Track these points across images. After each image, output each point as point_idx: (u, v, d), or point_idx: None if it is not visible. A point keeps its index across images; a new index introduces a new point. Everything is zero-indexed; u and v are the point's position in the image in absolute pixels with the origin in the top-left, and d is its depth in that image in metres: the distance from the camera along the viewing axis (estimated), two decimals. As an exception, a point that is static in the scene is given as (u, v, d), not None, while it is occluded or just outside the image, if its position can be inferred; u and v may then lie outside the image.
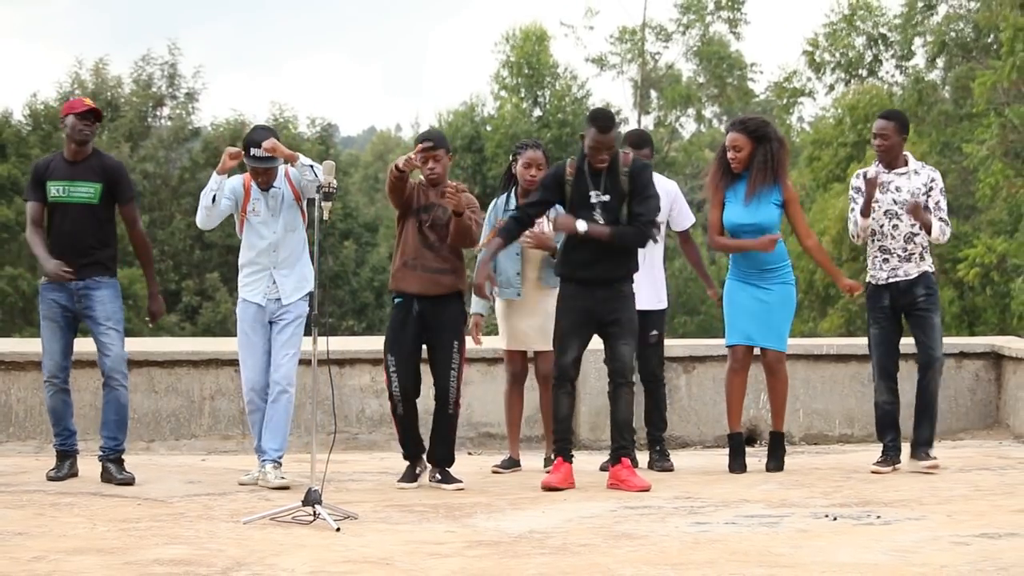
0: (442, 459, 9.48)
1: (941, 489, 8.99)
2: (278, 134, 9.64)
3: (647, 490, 8.99)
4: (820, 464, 10.43)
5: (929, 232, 9.89)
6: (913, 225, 9.90)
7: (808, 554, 6.78)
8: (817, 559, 6.65)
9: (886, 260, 9.96)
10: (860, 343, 13.08)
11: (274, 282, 9.46)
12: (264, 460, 9.30)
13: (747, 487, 9.15)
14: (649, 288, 10.08)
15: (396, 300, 9.50)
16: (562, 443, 9.31)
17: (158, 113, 50.50)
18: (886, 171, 10.01)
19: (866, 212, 9.92)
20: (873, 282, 10.00)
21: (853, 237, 10.17)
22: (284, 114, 50.44)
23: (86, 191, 9.32)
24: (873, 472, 9.87)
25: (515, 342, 10.09)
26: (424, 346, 9.49)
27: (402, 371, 9.37)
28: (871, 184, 9.88)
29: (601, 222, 9.21)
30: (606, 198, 9.26)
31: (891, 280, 9.95)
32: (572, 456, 9.38)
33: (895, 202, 9.90)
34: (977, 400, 12.41)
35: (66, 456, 9.46)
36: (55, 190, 9.32)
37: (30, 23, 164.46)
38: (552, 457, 9.76)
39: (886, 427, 10.03)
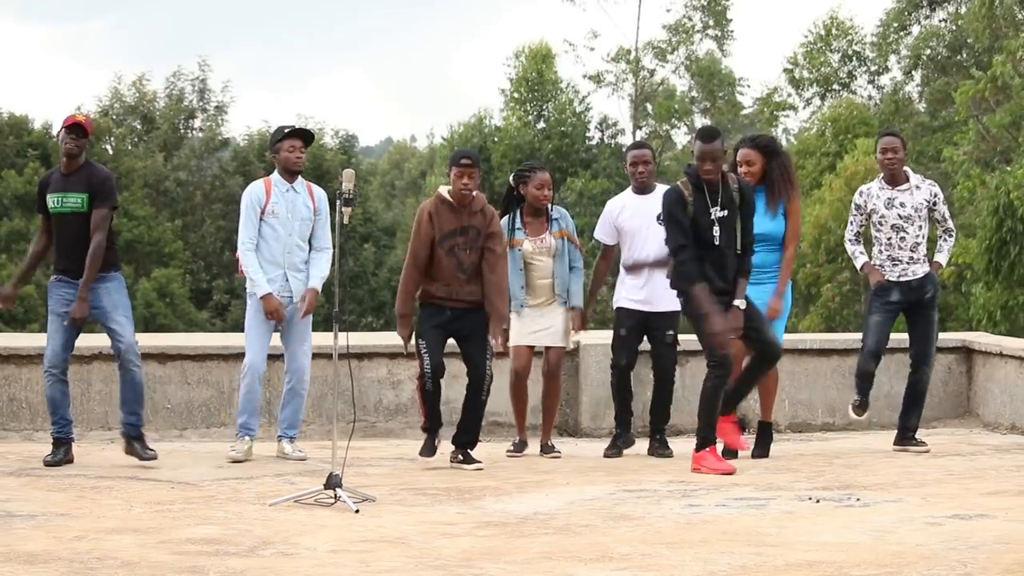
0: (468, 443, 9.62)
1: (916, 473, 8.98)
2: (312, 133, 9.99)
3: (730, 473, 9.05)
4: (804, 450, 10.42)
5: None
6: (917, 236, 10.03)
7: (793, 534, 6.77)
8: (801, 538, 6.64)
9: (896, 265, 10.09)
10: (841, 338, 13.08)
11: (287, 281, 9.61)
12: (282, 437, 9.81)
13: (736, 472, 9.14)
14: (667, 290, 10.08)
15: (427, 307, 9.60)
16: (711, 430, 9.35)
17: (190, 125, 50.59)
18: (889, 188, 10.10)
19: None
20: (885, 278, 10.09)
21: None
22: (309, 126, 50.49)
23: (74, 201, 9.35)
24: (853, 414, 10.10)
25: (521, 339, 10.12)
26: (452, 340, 9.64)
27: (433, 351, 9.45)
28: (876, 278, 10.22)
29: (717, 235, 9.18)
30: (724, 214, 9.22)
31: (902, 279, 10.06)
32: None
33: (900, 216, 10.04)
34: (950, 391, 12.38)
35: (62, 443, 9.45)
36: (52, 201, 9.42)
37: (72, 41, 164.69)
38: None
39: (863, 379, 10.29)
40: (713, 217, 9.20)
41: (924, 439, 10.32)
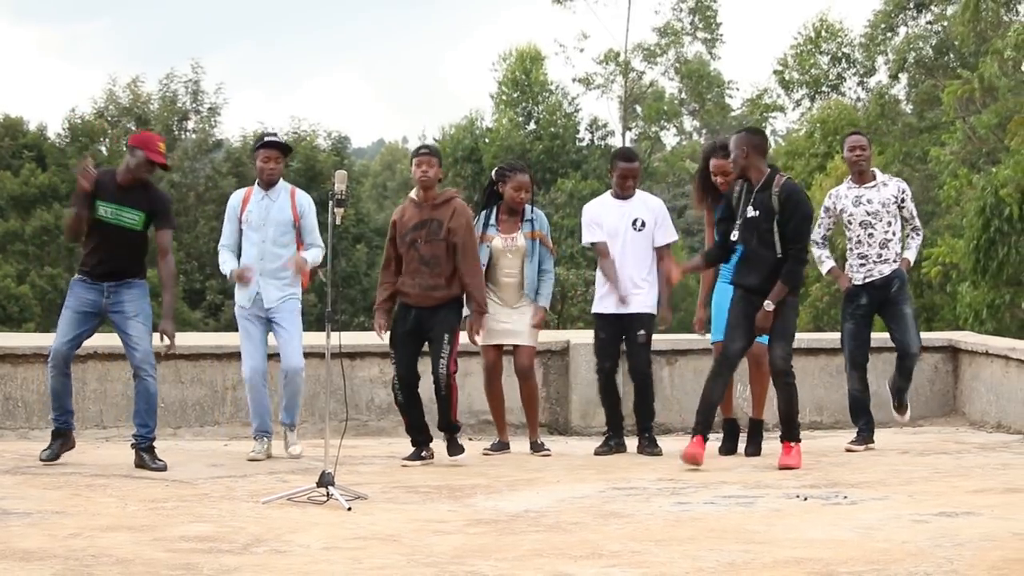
0: (444, 428, 9.69)
1: (903, 471, 9.00)
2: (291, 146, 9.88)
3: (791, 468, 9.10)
4: (792, 449, 10.43)
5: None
6: (886, 232, 10.05)
7: (781, 531, 6.78)
8: (789, 536, 6.65)
9: (863, 264, 10.13)
10: (829, 337, 13.09)
11: (259, 288, 9.59)
12: (283, 425, 9.84)
13: (725, 470, 9.15)
14: (640, 292, 10.11)
15: (399, 304, 9.71)
16: (704, 424, 9.26)
17: (184, 126, 50.50)
18: (857, 186, 10.16)
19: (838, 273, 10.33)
20: (852, 282, 10.14)
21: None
22: (301, 127, 50.43)
23: (131, 218, 9.22)
24: (847, 450, 10.00)
25: (489, 337, 10.13)
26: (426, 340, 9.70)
27: (401, 363, 9.60)
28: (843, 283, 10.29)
29: (736, 233, 9.29)
30: (755, 214, 9.19)
31: (867, 280, 10.10)
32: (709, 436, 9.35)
33: (868, 213, 10.09)
34: (936, 390, 12.41)
35: (59, 435, 9.39)
36: (103, 210, 9.19)
37: (67, 43, 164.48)
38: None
39: (859, 412, 10.25)
40: (748, 216, 9.22)
41: (905, 423, 10.33)
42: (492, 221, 10.19)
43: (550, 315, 10.50)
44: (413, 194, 9.74)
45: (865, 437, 10.18)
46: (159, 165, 9.29)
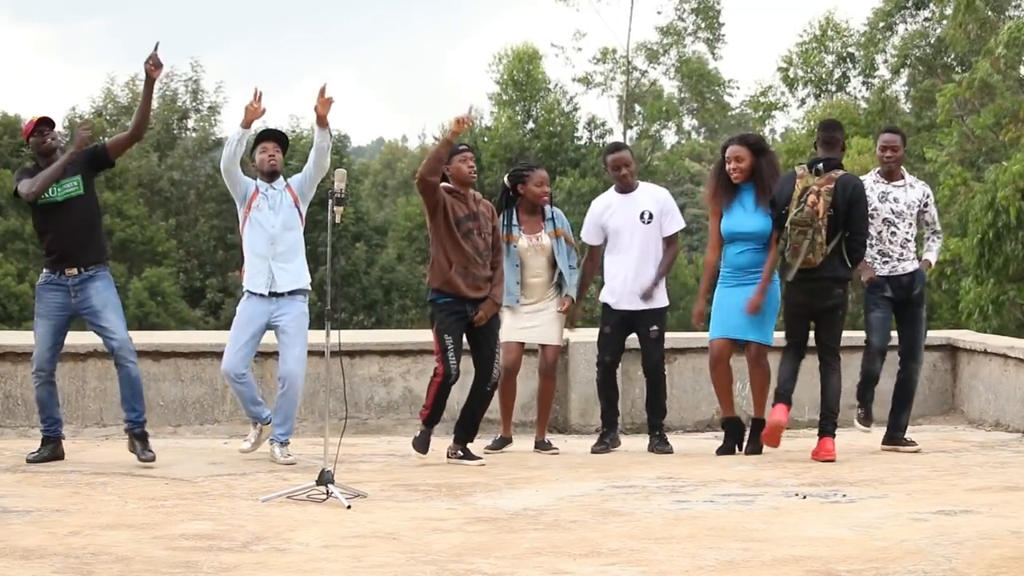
0: (468, 439, 9.70)
1: (901, 470, 9.00)
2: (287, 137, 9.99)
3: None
4: (791, 447, 10.39)
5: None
6: (907, 232, 10.04)
7: (780, 529, 6.79)
8: (788, 534, 6.65)
9: (885, 261, 10.07)
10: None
11: (272, 273, 9.51)
12: (273, 441, 9.52)
13: (724, 468, 9.16)
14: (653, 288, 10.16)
15: (446, 299, 9.57)
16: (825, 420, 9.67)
17: (184, 125, 50.49)
18: (884, 182, 10.09)
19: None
20: (877, 274, 10.07)
21: None
22: (301, 126, 50.42)
23: (71, 185, 9.33)
24: (863, 431, 10.09)
25: (513, 335, 10.14)
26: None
27: (457, 350, 9.52)
28: (868, 274, 10.13)
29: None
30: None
31: (892, 274, 10.05)
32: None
33: (893, 212, 10.04)
34: (934, 388, 12.41)
35: (48, 441, 9.42)
36: (45, 194, 9.31)
37: (65, 42, 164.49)
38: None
39: (870, 385, 10.16)
40: None
41: (913, 439, 10.27)
42: (514, 222, 10.21)
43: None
44: (451, 185, 9.66)
45: (870, 414, 10.18)
46: (35, 129, 9.64)
